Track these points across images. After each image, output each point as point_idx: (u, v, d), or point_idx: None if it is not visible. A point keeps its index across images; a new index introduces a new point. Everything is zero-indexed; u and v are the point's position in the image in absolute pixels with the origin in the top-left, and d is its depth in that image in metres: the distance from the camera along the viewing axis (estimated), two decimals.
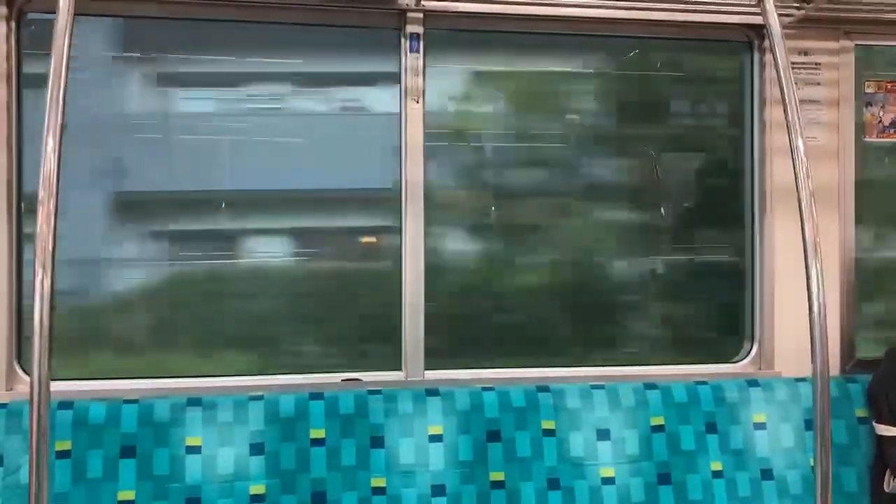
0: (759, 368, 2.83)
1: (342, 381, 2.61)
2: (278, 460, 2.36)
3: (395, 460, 2.42)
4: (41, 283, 1.60)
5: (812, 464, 2.53)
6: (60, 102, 1.68)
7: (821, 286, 1.90)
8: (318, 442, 2.39)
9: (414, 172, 2.66)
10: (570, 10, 2.66)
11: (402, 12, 2.63)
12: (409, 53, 2.64)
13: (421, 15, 2.63)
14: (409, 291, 2.65)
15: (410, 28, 2.63)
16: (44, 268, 1.60)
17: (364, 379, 2.63)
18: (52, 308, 1.61)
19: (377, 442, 2.42)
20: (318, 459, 2.38)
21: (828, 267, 2.01)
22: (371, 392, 2.48)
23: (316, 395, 2.44)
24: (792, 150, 1.96)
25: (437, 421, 2.46)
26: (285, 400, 2.42)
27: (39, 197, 1.64)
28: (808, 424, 2.61)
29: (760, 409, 2.63)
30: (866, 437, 2.65)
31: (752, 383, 2.66)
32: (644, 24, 2.76)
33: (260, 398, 2.41)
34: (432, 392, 2.50)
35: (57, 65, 1.70)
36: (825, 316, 1.88)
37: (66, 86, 1.70)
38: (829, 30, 2.81)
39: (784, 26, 2.16)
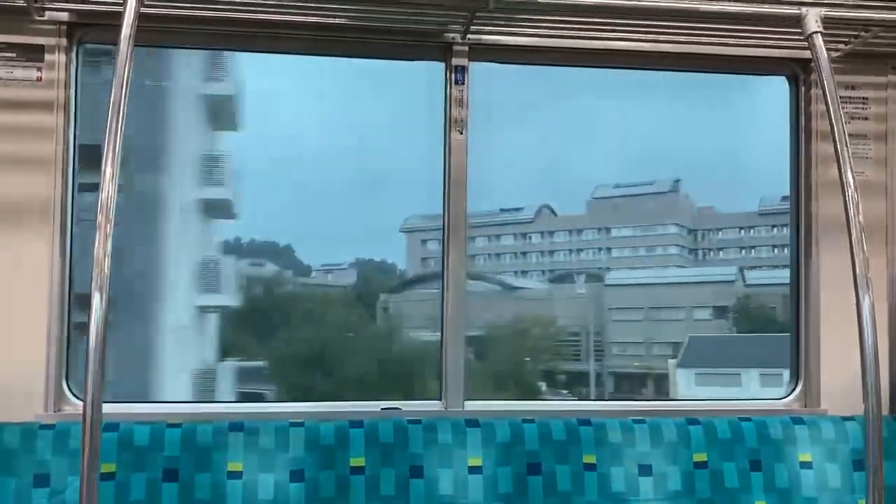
0: (805, 406, 2.78)
1: (382, 409, 2.62)
2: (318, 488, 2.36)
3: (435, 491, 2.40)
4: (97, 306, 1.63)
5: None
6: (120, 132, 1.73)
7: (872, 323, 1.87)
8: (357, 470, 2.39)
9: (457, 203, 2.68)
10: (616, 44, 2.68)
11: (449, 45, 2.66)
12: (453, 85, 2.67)
13: (466, 48, 2.67)
14: (449, 322, 2.66)
15: (456, 61, 2.67)
16: (100, 290, 1.64)
17: (403, 408, 2.63)
18: (105, 330, 1.65)
19: (416, 472, 2.41)
20: (357, 488, 2.37)
21: (876, 304, 1.98)
22: (411, 421, 2.47)
23: (356, 424, 2.44)
24: (842, 185, 1.95)
25: (477, 452, 2.45)
26: (325, 427, 2.42)
27: (97, 221, 1.69)
28: (857, 465, 2.54)
29: (806, 448, 2.57)
30: None
31: (798, 421, 2.61)
32: (689, 57, 2.76)
33: (301, 425, 2.42)
34: (472, 423, 2.49)
35: (116, 95, 1.75)
36: (877, 354, 1.85)
37: (124, 115, 1.75)
38: (877, 64, 2.79)
39: (831, 60, 2.15)
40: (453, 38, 2.64)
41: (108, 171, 1.71)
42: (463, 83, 2.69)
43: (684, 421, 2.57)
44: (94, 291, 1.64)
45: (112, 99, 1.75)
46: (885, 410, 2.69)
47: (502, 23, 2.56)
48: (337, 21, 2.51)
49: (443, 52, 2.69)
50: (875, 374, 1.84)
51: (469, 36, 2.62)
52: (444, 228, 2.69)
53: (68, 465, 2.26)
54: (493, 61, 2.76)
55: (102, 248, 1.67)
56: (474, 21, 2.49)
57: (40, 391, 2.41)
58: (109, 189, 1.70)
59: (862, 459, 1.83)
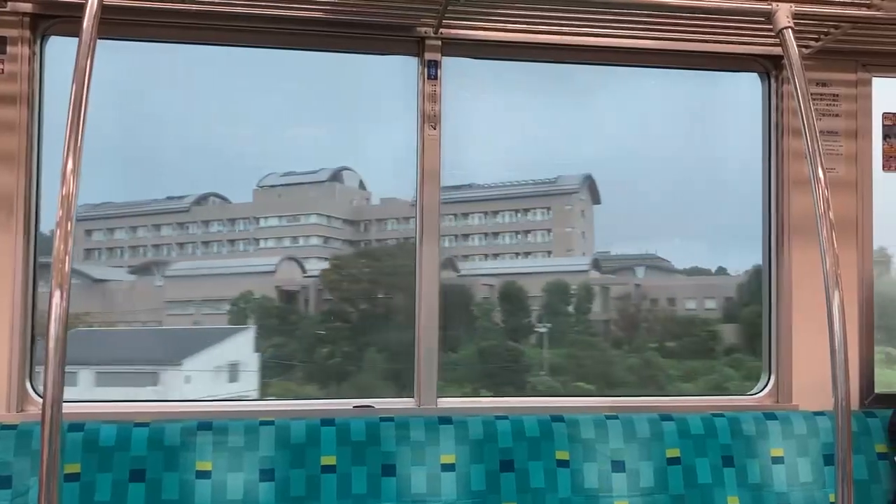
0: (777, 401, 2.79)
1: (354, 407, 2.59)
2: (288, 487, 2.33)
3: (407, 489, 2.38)
4: (57, 304, 1.59)
5: (831, 499, 2.48)
6: (81, 124, 1.69)
7: (841, 319, 1.88)
8: (328, 469, 2.36)
9: (430, 199, 2.66)
10: (588, 40, 2.67)
11: (421, 39, 2.64)
12: (426, 80, 2.65)
13: (439, 42, 2.65)
14: (422, 318, 2.64)
15: (429, 55, 2.65)
16: (60, 288, 1.60)
17: (376, 406, 2.61)
18: (66, 329, 1.61)
19: (388, 470, 2.39)
20: (328, 487, 2.35)
21: (846, 299, 1.99)
22: (383, 419, 2.45)
23: (327, 422, 2.41)
24: (812, 182, 1.95)
25: (450, 449, 2.43)
26: (296, 426, 2.39)
27: (57, 217, 1.65)
28: (827, 459, 2.56)
29: (778, 443, 2.59)
30: (886, 473, 2.60)
31: (770, 416, 2.62)
32: (660, 54, 2.76)
33: (271, 423, 2.39)
34: (445, 420, 2.47)
35: (78, 87, 1.71)
36: (846, 349, 1.85)
37: (86, 108, 1.71)
38: (847, 62, 2.81)
39: (802, 57, 2.15)
40: (426, 32, 2.62)
41: (70, 165, 1.67)
42: (436, 78, 2.66)
43: (657, 417, 2.57)
44: (54, 289, 1.60)
45: (73, 92, 1.71)
46: (854, 405, 2.71)
47: (475, 17, 2.55)
48: (308, 14, 2.48)
49: (415, 46, 2.67)
50: (844, 369, 1.85)
51: (442, 30, 2.60)
52: (417, 223, 2.67)
53: (31, 467, 2.21)
54: (467, 56, 2.74)
55: (63, 244, 1.63)
56: (447, 15, 2.47)
57: (2, 391, 2.36)
58: (70, 183, 1.66)
59: (832, 454, 1.84)
